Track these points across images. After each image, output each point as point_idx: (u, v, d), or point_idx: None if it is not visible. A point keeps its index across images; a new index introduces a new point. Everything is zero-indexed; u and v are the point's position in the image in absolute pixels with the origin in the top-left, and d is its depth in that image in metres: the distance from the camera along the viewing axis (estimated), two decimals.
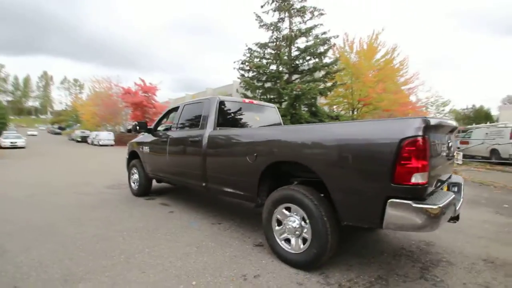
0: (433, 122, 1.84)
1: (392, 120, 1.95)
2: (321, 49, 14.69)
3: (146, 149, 4.65)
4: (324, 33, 14.65)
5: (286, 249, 2.37)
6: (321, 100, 16.96)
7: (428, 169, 1.76)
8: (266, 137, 2.68)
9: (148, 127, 4.59)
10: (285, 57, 14.79)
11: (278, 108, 4.66)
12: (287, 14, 15.28)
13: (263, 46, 15.57)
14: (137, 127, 4.44)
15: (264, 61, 15.51)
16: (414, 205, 1.70)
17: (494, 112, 44.28)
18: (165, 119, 4.76)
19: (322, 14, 14.95)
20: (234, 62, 15.54)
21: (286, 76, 15.11)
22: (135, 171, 4.98)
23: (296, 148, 2.35)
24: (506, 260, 2.57)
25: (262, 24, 15.55)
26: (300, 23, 15.31)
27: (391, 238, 3.10)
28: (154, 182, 5.02)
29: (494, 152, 10.73)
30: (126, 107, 27.84)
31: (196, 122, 3.71)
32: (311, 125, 2.50)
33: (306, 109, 15.29)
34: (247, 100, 4.03)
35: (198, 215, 3.86)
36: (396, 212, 1.77)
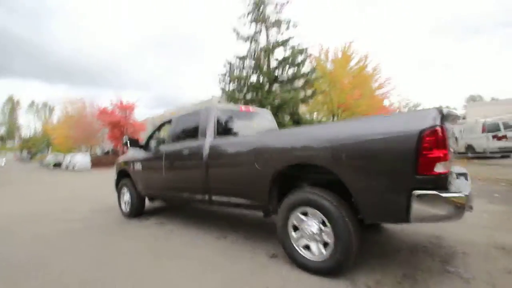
0: (445, 112, 1.86)
1: (408, 113, 1.96)
2: (299, 59, 15.12)
3: (137, 166, 4.40)
4: (300, 43, 15.15)
5: (307, 256, 2.27)
6: (302, 108, 17.30)
7: (449, 158, 1.76)
8: (277, 141, 2.60)
9: (139, 143, 4.38)
10: (265, 68, 15.06)
11: None
12: (264, 25, 15.67)
13: (242, 58, 15.78)
14: (128, 143, 4.21)
15: (244, 72, 15.69)
16: (442, 194, 1.68)
17: (459, 111, 47.35)
18: (156, 134, 4.56)
19: (295, 26, 15.51)
20: (218, 75, 15.67)
21: (267, 86, 15.33)
22: (126, 190, 4.68)
23: (311, 150, 2.29)
24: None
25: (240, 36, 15.82)
26: (277, 33, 15.74)
27: (400, 235, 3.09)
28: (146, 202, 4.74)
29: (469, 147, 11.38)
30: (102, 126, 26.77)
31: (193, 133, 3.56)
32: (326, 125, 2.46)
33: (289, 117, 15.51)
34: (243, 108, 3.97)
35: (199, 231, 3.65)
36: (423, 203, 1.74)
